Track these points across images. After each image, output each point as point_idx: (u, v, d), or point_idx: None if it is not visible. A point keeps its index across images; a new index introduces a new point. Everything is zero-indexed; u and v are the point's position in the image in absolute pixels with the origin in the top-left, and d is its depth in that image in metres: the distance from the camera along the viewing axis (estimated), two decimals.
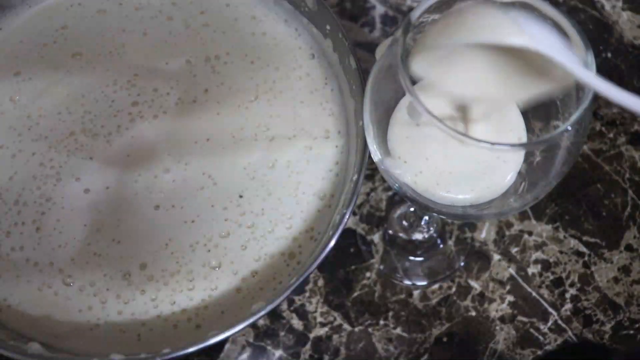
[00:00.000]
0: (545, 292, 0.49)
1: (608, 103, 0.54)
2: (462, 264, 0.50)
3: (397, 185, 0.37)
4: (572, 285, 0.50)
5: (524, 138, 0.37)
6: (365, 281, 0.49)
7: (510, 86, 0.33)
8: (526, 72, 0.32)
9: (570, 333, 0.49)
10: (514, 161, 0.36)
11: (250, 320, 0.38)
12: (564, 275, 0.50)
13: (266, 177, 0.45)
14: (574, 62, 0.30)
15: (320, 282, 0.49)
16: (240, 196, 0.45)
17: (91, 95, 0.47)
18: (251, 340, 0.48)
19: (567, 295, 0.49)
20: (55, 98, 0.47)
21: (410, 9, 0.56)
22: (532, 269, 0.50)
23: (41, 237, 0.44)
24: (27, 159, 0.46)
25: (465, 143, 0.31)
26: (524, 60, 0.32)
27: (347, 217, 0.40)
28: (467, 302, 0.49)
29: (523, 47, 0.30)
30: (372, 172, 0.52)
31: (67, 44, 0.49)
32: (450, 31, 0.32)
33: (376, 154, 0.37)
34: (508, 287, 0.49)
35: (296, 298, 0.49)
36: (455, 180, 0.36)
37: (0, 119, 0.47)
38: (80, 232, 0.44)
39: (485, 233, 0.51)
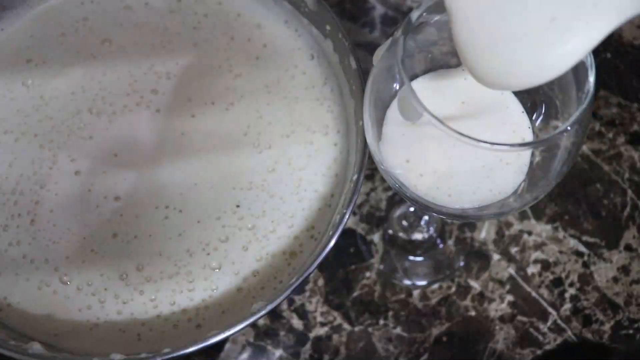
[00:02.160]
0: (544, 291, 0.49)
1: (607, 103, 0.54)
2: (461, 263, 0.50)
3: (397, 185, 0.37)
4: (571, 285, 0.50)
5: (528, 138, 0.37)
6: (365, 281, 0.49)
7: None
8: None
9: (569, 333, 0.49)
10: (518, 163, 0.36)
11: (251, 320, 0.39)
12: (563, 275, 0.50)
13: (267, 181, 0.45)
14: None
15: (320, 282, 0.49)
16: (238, 206, 0.45)
17: (113, 75, 0.47)
18: (251, 339, 0.48)
19: (567, 295, 0.49)
20: (72, 78, 0.47)
21: (410, 9, 0.56)
22: (532, 269, 0.50)
23: (36, 231, 0.44)
24: (29, 141, 0.46)
25: (464, 144, 0.31)
26: None
27: (347, 217, 0.41)
28: (467, 302, 0.49)
29: None
30: (372, 172, 0.52)
31: (93, 32, 0.48)
32: None
33: (376, 154, 0.37)
34: (508, 287, 0.49)
35: (296, 298, 0.49)
36: (456, 183, 0.36)
37: (12, 103, 0.47)
38: (74, 224, 0.44)
39: (485, 233, 0.51)
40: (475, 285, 0.49)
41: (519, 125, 0.37)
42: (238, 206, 0.45)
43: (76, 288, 0.43)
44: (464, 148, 0.31)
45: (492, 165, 0.35)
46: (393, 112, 0.36)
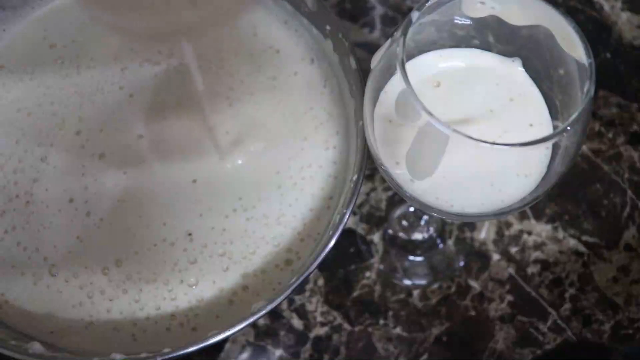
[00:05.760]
0: (544, 291, 0.49)
1: (607, 103, 0.54)
2: (461, 263, 0.50)
3: (396, 185, 0.37)
4: (571, 285, 0.50)
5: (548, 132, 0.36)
6: (365, 281, 0.50)
7: None
8: None
9: (569, 333, 0.49)
10: (538, 171, 0.35)
11: (251, 320, 0.39)
12: (563, 275, 0.50)
13: (264, 184, 0.45)
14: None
15: (320, 282, 0.49)
16: (234, 210, 0.45)
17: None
18: (251, 339, 0.48)
19: (567, 295, 0.49)
20: (107, 53, 0.48)
21: (410, 9, 0.56)
22: (532, 269, 0.50)
23: (30, 213, 0.44)
24: (44, 112, 0.47)
25: (463, 144, 0.31)
26: None
27: (347, 217, 0.41)
28: (467, 302, 0.49)
29: None
30: (372, 172, 0.52)
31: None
32: None
33: (376, 154, 0.37)
34: (507, 287, 0.50)
35: (296, 298, 0.49)
36: (459, 188, 0.36)
37: (31, 83, 0.47)
38: (65, 205, 0.44)
39: (484, 233, 0.51)
40: (475, 285, 0.50)
41: (538, 118, 0.37)
42: (234, 210, 0.45)
43: (64, 280, 0.43)
44: (466, 150, 0.31)
45: (500, 168, 0.35)
46: (382, 109, 0.36)
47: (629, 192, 0.52)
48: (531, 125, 0.36)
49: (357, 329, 0.48)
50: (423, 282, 0.50)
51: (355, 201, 0.41)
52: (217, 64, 0.48)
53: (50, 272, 0.43)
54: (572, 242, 0.51)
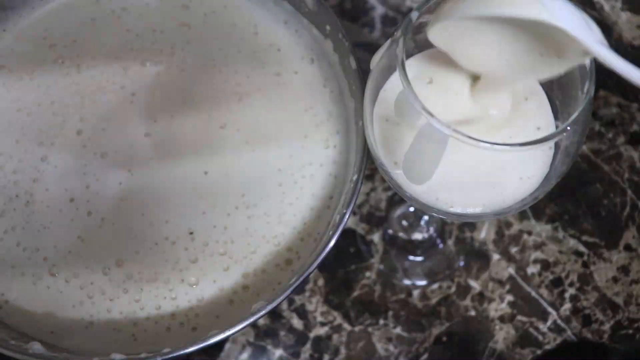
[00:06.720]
0: (544, 291, 0.49)
1: (607, 103, 0.54)
2: (461, 263, 0.50)
3: (396, 185, 0.37)
4: (571, 284, 0.50)
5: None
6: (365, 281, 0.50)
7: (524, 64, 0.32)
8: (543, 51, 0.32)
9: (569, 332, 0.49)
10: (541, 173, 0.35)
11: (251, 320, 0.39)
12: (563, 275, 0.50)
13: (264, 184, 0.45)
14: (593, 41, 0.30)
15: (320, 282, 0.49)
16: (236, 208, 0.45)
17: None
18: (251, 339, 0.48)
19: (567, 295, 0.49)
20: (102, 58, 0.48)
21: (410, 9, 0.56)
22: (532, 269, 0.50)
23: (30, 213, 0.44)
24: (44, 110, 0.47)
25: (466, 146, 0.31)
26: (542, 38, 0.31)
27: (347, 217, 0.41)
28: (467, 302, 0.49)
29: (540, 21, 0.29)
30: (372, 172, 0.52)
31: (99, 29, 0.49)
32: (467, 3, 0.31)
33: (376, 155, 0.37)
34: (507, 287, 0.50)
35: (296, 298, 0.49)
36: (460, 189, 0.36)
37: (31, 83, 0.47)
38: (66, 206, 0.44)
39: (484, 233, 0.51)
40: (475, 285, 0.50)
41: (541, 119, 0.36)
42: (237, 208, 0.45)
43: (64, 280, 0.43)
44: (465, 150, 0.31)
45: (504, 174, 0.35)
46: (382, 109, 0.36)
47: (629, 192, 0.52)
48: (539, 129, 0.36)
49: (357, 329, 0.48)
50: (423, 282, 0.50)
51: (355, 201, 0.41)
52: (221, 61, 0.48)
53: (51, 272, 0.43)
54: (572, 242, 0.51)
